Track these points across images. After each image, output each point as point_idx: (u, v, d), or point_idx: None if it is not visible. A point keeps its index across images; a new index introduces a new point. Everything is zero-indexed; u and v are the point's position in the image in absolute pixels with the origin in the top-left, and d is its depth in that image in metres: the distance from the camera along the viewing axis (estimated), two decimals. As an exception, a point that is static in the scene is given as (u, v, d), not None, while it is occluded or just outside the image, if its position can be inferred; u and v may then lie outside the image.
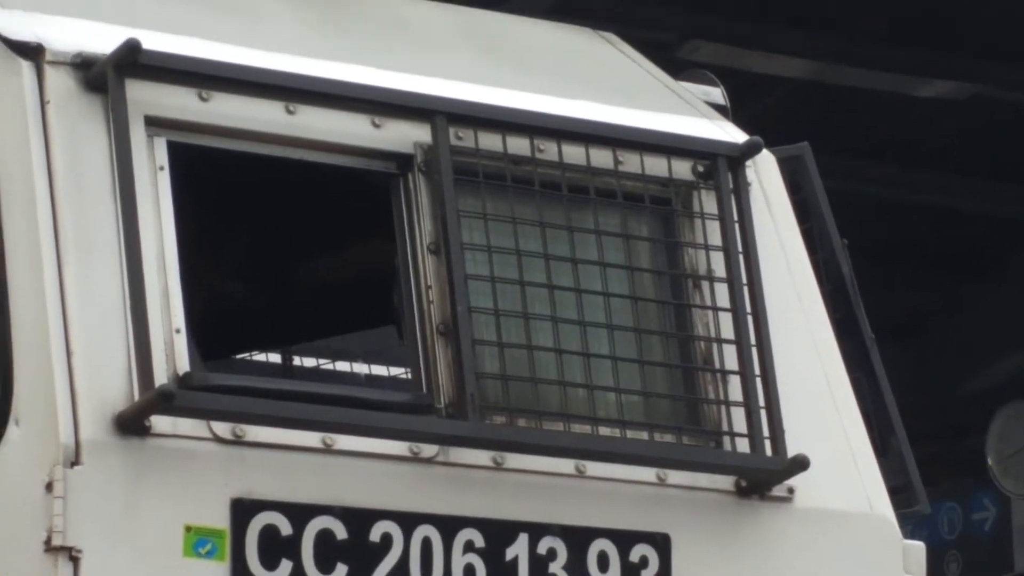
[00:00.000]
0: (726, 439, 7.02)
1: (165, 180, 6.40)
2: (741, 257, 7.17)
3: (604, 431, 6.84)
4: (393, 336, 6.89)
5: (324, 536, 6.38)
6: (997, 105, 15.55)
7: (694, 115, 7.26)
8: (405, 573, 6.48)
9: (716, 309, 7.11)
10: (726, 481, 6.94)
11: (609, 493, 6.79)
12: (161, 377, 6.15)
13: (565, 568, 6.67)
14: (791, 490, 6.95)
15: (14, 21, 6.43)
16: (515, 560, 6.60)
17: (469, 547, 6.55)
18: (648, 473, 6.83)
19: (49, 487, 6.04)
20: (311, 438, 6.40)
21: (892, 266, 15.60)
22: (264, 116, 6.65)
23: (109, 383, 6.20)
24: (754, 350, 7.05)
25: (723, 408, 7.04)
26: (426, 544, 6.48)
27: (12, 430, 6.25)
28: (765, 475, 6.91)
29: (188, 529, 6.19)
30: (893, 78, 14.09)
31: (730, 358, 7.07)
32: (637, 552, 6.71)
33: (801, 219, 7.38)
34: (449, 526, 6.54)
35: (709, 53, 7.27)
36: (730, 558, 6.98)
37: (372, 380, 6.88)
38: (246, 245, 6.94)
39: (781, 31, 13.10)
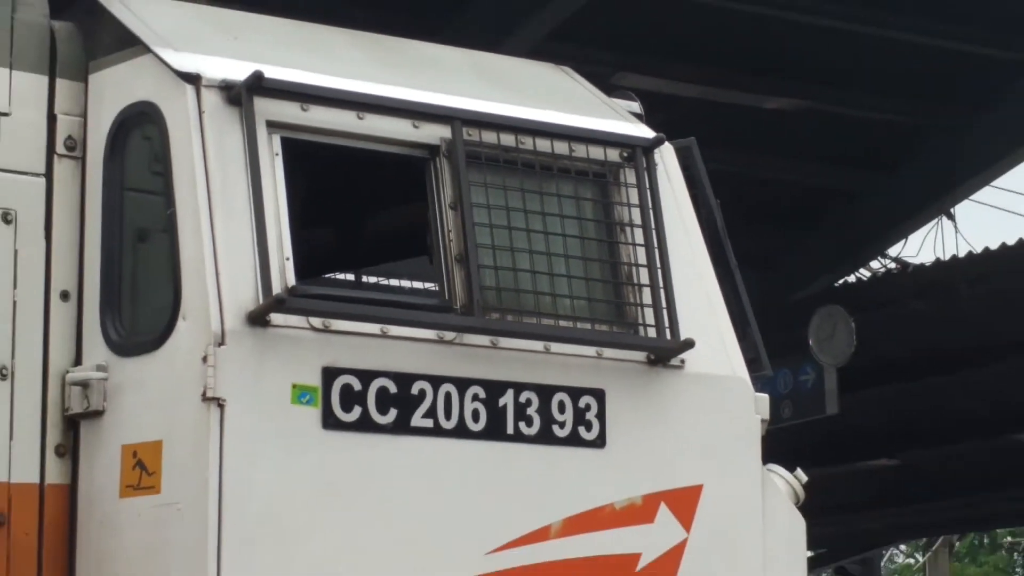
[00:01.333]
0: (641, 328, 7.15)
1: (279, 163, 6.59)
2: (652, 212, 7.23)
3: (563, 323, 7.02)
4: (427, 263, 7.07)
5: (382, 391, 6.55)
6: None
7: (621, 120, 7.50)
8: (433, 415, 6.64)
9: (635, 245, 7.22)
10: (640, 355, 7.12)
11: (565, 363, 6.96)
12: (276, 289, 6.35)
13: (537, 411, 6.83)
14: (682, 361, 7.13)
15: (182, 58, 6.55)
16: (504, 407, 6.77)
17: (475, 397, 6.73)
18: (591, 350, 7.01)
19: (204, 359, 6.25)
20: (373, 328, 6.60)
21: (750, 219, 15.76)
22: (343, 120, 6.78)
23: (243, 293, 6.39)
24: (660, 272, 7.16)
25: (639, 309, 7.16)
26: (447, 396, 6.67)
27: (181, 323, 6.40)
28: (665, 351, 7.09)
29: (294, 387, 6.40)
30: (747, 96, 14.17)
31: (644, 278, 7.16)
32: (584, 401, 6.91)
33: (690, 188, 7.54)
34: (462, 384, 6.72)
35: (632, 80, 7.54)
36: (643, 405, 7.08)
37: (413, 291, 7.11)
38: (332, 205, 7.13)
39: (676, 65, 13.31)
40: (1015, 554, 49.14)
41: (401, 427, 6.61)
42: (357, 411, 6.52)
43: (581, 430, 6.93)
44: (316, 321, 6.50)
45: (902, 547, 31.70)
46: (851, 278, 17.02)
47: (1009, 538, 46.29)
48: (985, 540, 44.82)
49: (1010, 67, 14.83)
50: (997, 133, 15.58)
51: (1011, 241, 15.69)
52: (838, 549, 20.43)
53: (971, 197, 16.78)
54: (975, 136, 15.73)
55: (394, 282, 7.30)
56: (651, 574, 7.03)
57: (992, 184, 16.68)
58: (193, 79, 6.54)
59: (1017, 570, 49.68)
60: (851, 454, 18.01)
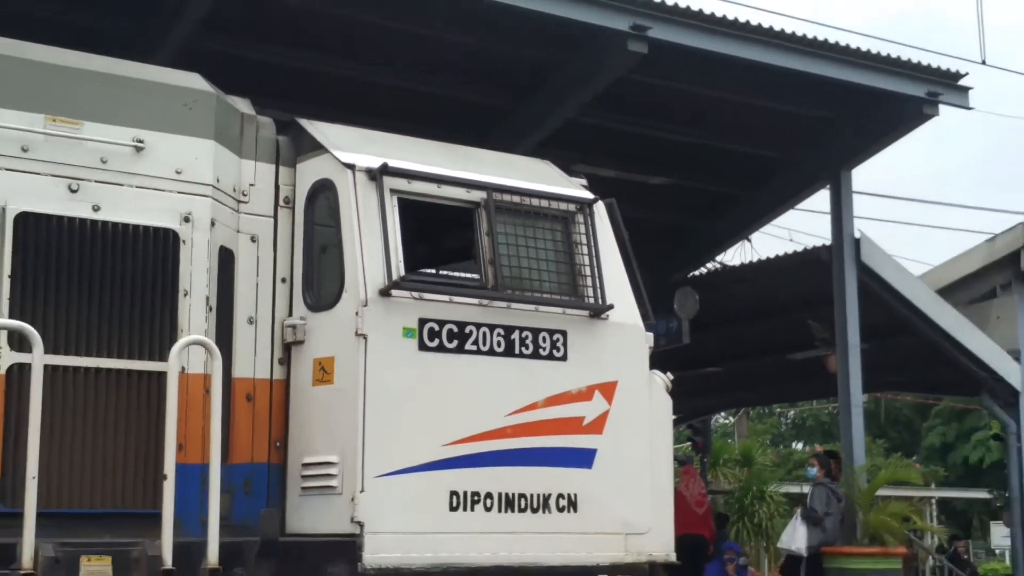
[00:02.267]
0: (586, 298, 6.95)
1: (396, 212, 6.52)
2: (593, 240, 7.04)
3: (546, 296, 6.83)
4: (472, 266, 6.81)
5: (449, 330, 6.48)
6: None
7: (575, 188, 7.39)
8: (476, 343, 6.55)
9: (585, 255, 7.02)
10: (585, 312, 6.94)
11: (546, 316, 6.81)
12: (394, 277, 6.30)
13: (531, 341, 6.72)
14: (607, 316, 6.98)
15: (345, 156, 6.54)
16: (514, 339, 6.65)
17: (498, 334, 6.62)
18: (559, 310, 6.85)
19: (356, 314, 6.24)
20: (444, 297, 6.51)
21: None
22: (429, 189, 6.69)
23: (377, 279, 6.29)
24: (597, 270, 6.98)
25: (586, 289, 6.94)
26: (484, 333, 6.57)
27: (344, 295, 6.35)
28: (598, 310, 6.94)
29: (403, 328, 6.36)
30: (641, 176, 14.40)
31: (588, 272, 6.97)
32: (555, 336, 6.81)
33: (614, 228, 7.35)
34: (491, 327, 6.60)
35: (581, 167, 7.58)
36: (587, 338, 6.91)
37: (463, 279, 6.82)
38: (423, 234, 7.00)
39: (602, 159, 13.34)
40: (782, 419, 49.43)
41: (459, 349, 6.54)
42: (436, 341, 6.48)
43: (554, 351, 6.83)
44: (415, 294, 6.46)
45: (723, 414, 31.59)
46: (698, 272, 16.99)
47: (779, 409, 46.55)
48: (765, 410, 44.96)
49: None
50: (771, 198, 15.69)
51: (786, 251, 15.95)
52: (688, 415, 20.49)
53: (761, 230, 16.82)
54: (757, 198, 15.81)
55: (455, 274, 7.03)
56: (590, 428, 6.91)
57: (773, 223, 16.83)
58: (351, 167, 6.54)
59: (784, 429, 50.08)
60: (696, 365, 17.95)
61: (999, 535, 31.67)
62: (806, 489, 14.14)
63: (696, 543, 14.68)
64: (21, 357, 5.53)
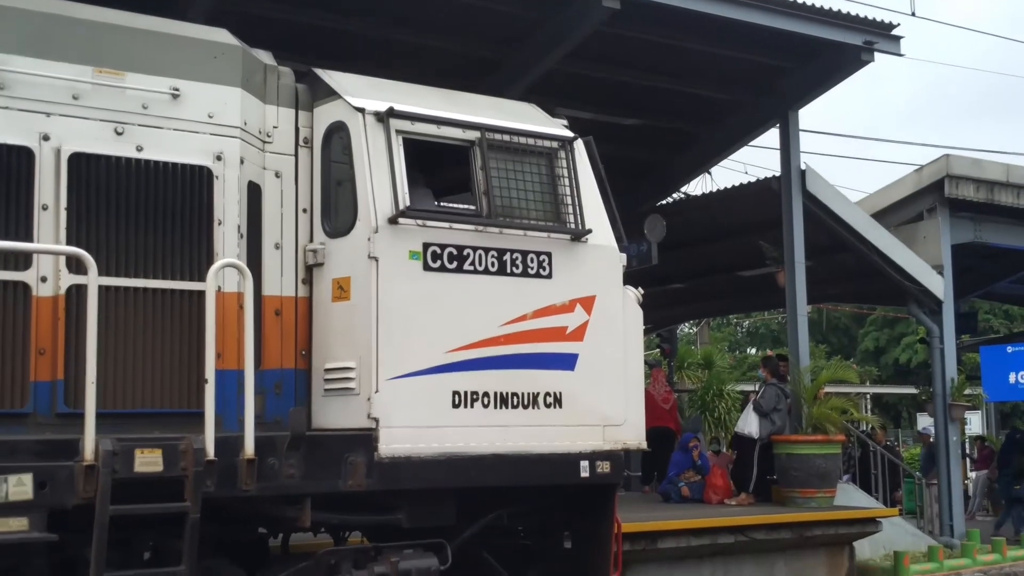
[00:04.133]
0: (568, 223, 6.85)
1: (401, 150, 6.44)
2: (574, 173, 6.95)
3: (533, 221, 6.76)
4: (470, 199, 6.76)
5: (450, 252, 6.41)
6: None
7: (558, 128, 7.25)
8: (474, 263, 6.51)
9: (564, 196, 6.93)
10: (567, 236, 6.85)
11: (534, 240, 6.75)
12: (400, 206, 6.27)
13: (520, 261, 6.68)
14: (586, 239, 6.92)
15: (357, 101, 6.46)
16: (505, 259, 6.61)
17: (492, 255, 6.58)
18: (544, 234, 6.78)
19: (368, 239, 6.20)
20: (445, 224, 6.46)
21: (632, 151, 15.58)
22: (430, 129, 6.60)
23: (385, 208, 6.26)
24: (577, 199, 6.90)
25: (567, 215, 6.85)
26: (480, 255, 6.54)
27: (358, 223, 6.29)
28: (578, 233, 6.86)
29: (409, 252, 6.33)
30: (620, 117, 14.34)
31: (569, 201, 6.89)
32: (542, 256, 6.77)
33: (594, 168, 7.22)
34: (486, 250, 6.55)
35: (563, 111, 7.52)
36: (569, 258, 6.87)
37: (460, 210, 6.75)
38: (425, 170, 6.93)
39: (580, 103, 13.22)
40: (738, 328, 49.62)
41: (459, 269, 6.50)
42: (438, 262, 6.44)
43: (540, 270, 6.79)
44: (419, 221, 6.41)
45: (687, 324, 31.69)
46: (665, 201, 17.00)
47: (735, 319, 46.73)
48: (724, 320, 45.14)
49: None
50: (727, 135, 15.64)
51: (742, 182, 15.91)
52: (657, 325, 20.56)
53: (720, 164, 16.80)
54: (715, 136, 15.75)
55: (454, 205, 6.98)
56: (572, 336, 6.88)
57: (730, 158, 16.80)
58: (361, 111, 6.48)
59: (740, 336, 50.27)
60: (663, 282, 18.01)
61: (923, 424, 32.06)
62: (756, 386, 14.29)
63: (663, 434, 14.89)
64: (78, 279, 5.57)
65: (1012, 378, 18.50)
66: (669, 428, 15.45)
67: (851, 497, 14.07)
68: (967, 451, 21.45)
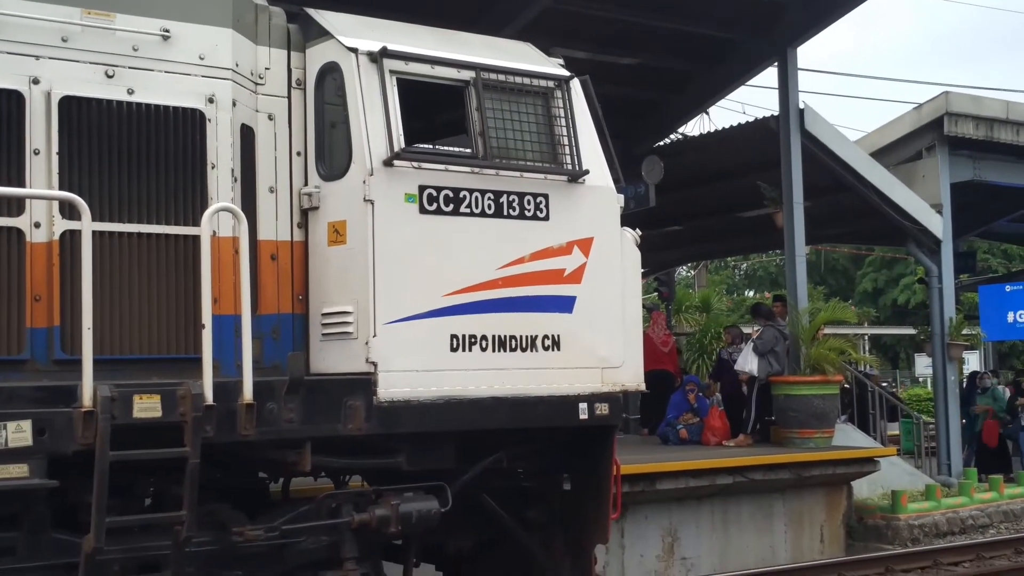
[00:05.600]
0: (565, 164, 6.77)
1: (395, 90, 6.35)
2: (570, 111, 6.87)
3: (529, 163, 6.67)
4: (465, 141, 6.69)
5: (446, 195, 6.38)
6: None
7: (554, 67, 7.13)
8: (470, 206, 6.46)
9: (560, 136, 6.84)
10: (564, 177, 6.77)
11: (530, 181, 6.67)
12: (395, 148, 6.20)
13: (517, 204, 6.63)
14: (583, 180, 6.84)
15: (349, 41, 6.38)
16: (502, 202, 6.57)
17: (488, 198, 6.52)
18: (541, 176, 6.71)
19: (364, 182, 6.16)
20: (440, 166, 6.39)
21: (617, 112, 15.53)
22: (424, 69, 6.51)
23: (380, 150, 6.21)
24: (573, 138, 6.83)
25: (564, 156, 6.79)
26: (476, 197, 6.48)
27: (352, 165, 6.25)
28: (575, 174, 6.79)
29: (405, 194, 6.26)
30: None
31: (566, 142, 6.81)
32: (539, 199, 6.70)
33: (591, 108, 7.13)
34: (483, 192, 6.48)
35: (559, 51, 7.42)
36: (566, 200, 6.81)
37: (456, 152, 6.67)
38: (420, 110, 6.83)
39: (576, 43, 13.08)
40: (736, 270, 49.73)
41: (455, 212, 6.45)
42: (435, 205, 6.39)
43: (538, 212, 6.73)
44: (414, 164, 6.36)
45: (684, 266, 31.78)
46: (662, 142, 16.97)
47: (733, 262, 46.86)
48: (721, 263, 45.23)
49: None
50: (725, 75, 15.58)
51: (739, 122, 15.86)
52: (655, 268, 20.61)
53: (718, 104, 16.77)
54: (713, 75, 15.68)
55: (449, 147, 6.88)
56: (570, 278, 6.85)
57: (728, 98, 16.77)
58: (354, 51, 6.39)
59: (738, 279, 50.37)
60: (661, 224, 18.07)
61: (922, 365, 32.29)
62: (755, 328, 14.38)
63: (662, 376, 15.03)
64: (71, 224, 5.55)
65: (1010, 317, 18.68)
66: (668, 371, 15.56)
67: (849, 437, 14.19)
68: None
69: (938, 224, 15.69)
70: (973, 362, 25.90)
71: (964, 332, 16.67)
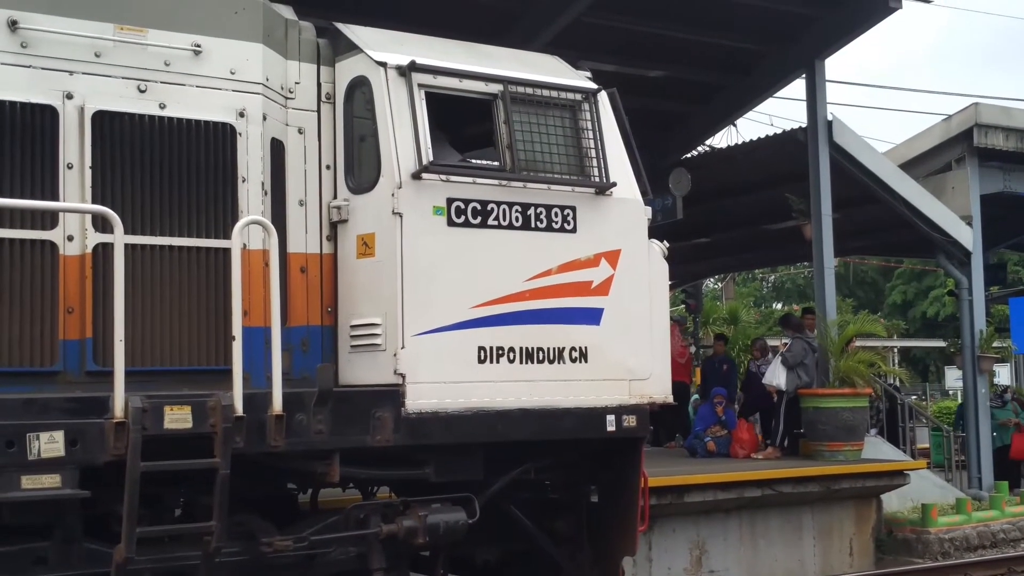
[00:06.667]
0: (592, 177, 6.78)
1: (423, 104, 6.38)
2: (598, 124, 6.88)
3: (556, 175, 6.70)
4: (493, 154, 6.69)
5: (474, 207, 6.39)
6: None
7: (582, 80, 7.13)
8: (498, 218, 6.47)
9: (588, 149, 6.86)
10: (591, 190, 6.79)
11: (557, 193, 6.70)
12: (424, 162, 6.23)
13: (545, 216, 6.62)
14: (611, 192, 6.84)
15: (378, 55, 6.42)
16: (530, 214, 6.57)
17: (516, 210, 6.53)
18: (569, 188, 6.71)
19: (392, 195, 6.19)
20: (468, 179, 6.43)
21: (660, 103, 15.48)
22: (452, 83, 6.55)
23: (409, 163, 6.20)
24: (601, 150, 6.84)
25: (592, 168, 6.79)
26: (504, 209, 6.50)
27: (381, 179, 6.27)
28: (603, 187, 6.80)
29: (434, 207, 6.29)
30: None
31: (594, 154, 6.82)
32: (566, 211, 6.71)
33: (618, 120, 7.15)
34: (511, 204, 6.49)
35: (586, 64, 7.40)
36: (593, 213, 6.83)
37: (484, 164, 6.68)
38: (448, 123, 6.86)
39: (603, 56, 13.13)
40: (763, 282, 49.48)
41: (483, 224, 6.47)
42: (462, 218, 6.40)
43: (565, 225, 6.73)
44: (443, 176, 6.38)
45: (712, 279, 31.68)
46: (690, 154, 16.93)
47: (761, 274, 46.62)
48: (749, 275, 45.05)
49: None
50: (753, 87, 15.55)
51: (767, 134, 15.83)
52: (682, 280, 20.56)
53: (745, 116, 16.73)
54: (741, 87, 15.64)
55: (477, 160, 6.85)
56: (598, 291, 6.84)
57: (755, 110, 16.72)
58: (383, 65, 6.43)
59: (765, 291, 50.12)
60: (688, 236, 18.04)
61: (952, 378, 31.98)
62: (784, 340, 14.31)
63: (678, 389, 14.97)
64: (104, 237, 5.60)
65: (1042, 329, 18.37)
66: (683, 382, 15.55)
67: (879, 450, 14.07)
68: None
69: (968, 236, 15.56)
70: (1004, 375, 25.63)
71: (995, 344, 16.49)
